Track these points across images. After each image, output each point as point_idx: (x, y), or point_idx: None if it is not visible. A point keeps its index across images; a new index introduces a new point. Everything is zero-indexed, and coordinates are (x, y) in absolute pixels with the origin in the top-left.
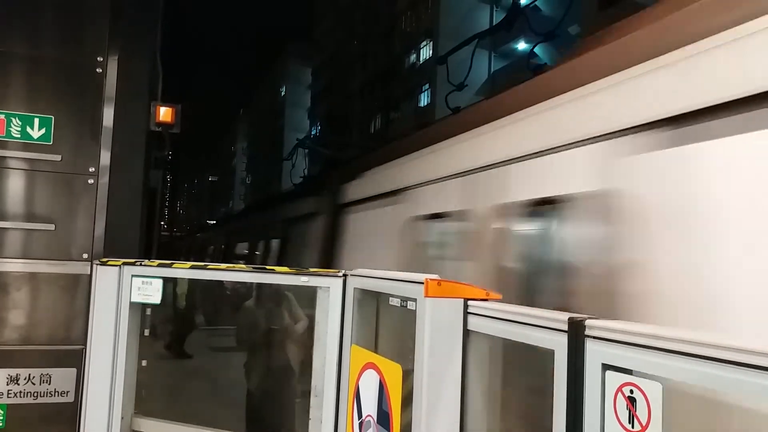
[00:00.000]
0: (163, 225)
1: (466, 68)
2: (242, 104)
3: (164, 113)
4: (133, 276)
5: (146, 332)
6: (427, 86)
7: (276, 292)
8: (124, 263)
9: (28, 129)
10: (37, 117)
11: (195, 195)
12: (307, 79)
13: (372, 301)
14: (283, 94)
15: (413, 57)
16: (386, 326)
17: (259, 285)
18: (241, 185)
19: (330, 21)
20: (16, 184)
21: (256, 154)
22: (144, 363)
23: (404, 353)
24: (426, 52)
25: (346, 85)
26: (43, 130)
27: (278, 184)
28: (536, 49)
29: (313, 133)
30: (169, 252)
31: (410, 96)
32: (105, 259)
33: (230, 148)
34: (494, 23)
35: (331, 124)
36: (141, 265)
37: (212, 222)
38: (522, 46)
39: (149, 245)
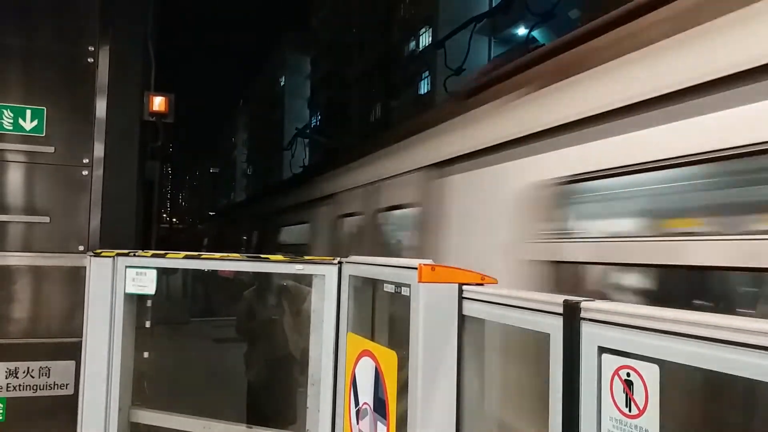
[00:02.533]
0: (165, 217)
1: (464, 53)
2: (241, 95)
3: (158, 103)
4: (127, 267)
5: (147, 324)
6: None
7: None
8: (118, 254)
9: (20, 121)
10: (29, 108)
11: (196, 186)
12: (307, 68)
13: (368, 288)
14: (282, 83)
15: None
16: (383, 313)
17: None
18: (241, 176)
19: (328, 7)
20: (8, 176)
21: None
22: (146, 355)
23: (401, 340)
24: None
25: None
26: (35, 122)
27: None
28: (536, 33)
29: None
30: (173, 244)
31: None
32: (99, 251)
33: (231, 139)
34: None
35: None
36: (135, 255)
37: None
38: (522, 31)
39: (147, 237)
